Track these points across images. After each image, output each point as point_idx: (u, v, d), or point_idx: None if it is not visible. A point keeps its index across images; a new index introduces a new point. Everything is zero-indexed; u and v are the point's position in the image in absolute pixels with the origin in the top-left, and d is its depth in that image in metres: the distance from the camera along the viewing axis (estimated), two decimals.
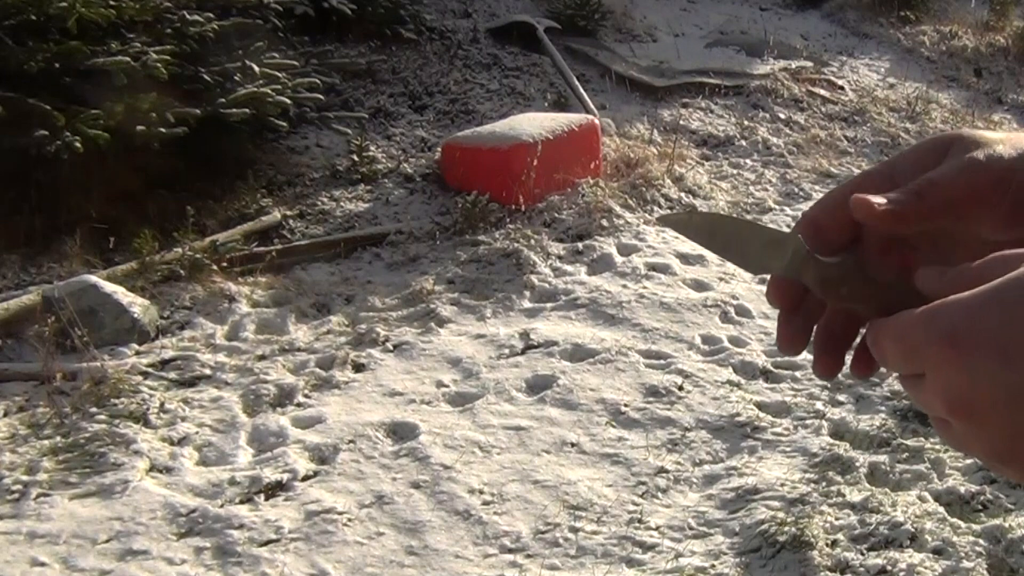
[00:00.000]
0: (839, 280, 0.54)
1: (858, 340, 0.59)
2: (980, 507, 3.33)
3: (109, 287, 4.47)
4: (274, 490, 3.48)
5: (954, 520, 3.23)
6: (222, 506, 3.36)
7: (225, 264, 5.01)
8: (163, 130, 5.19)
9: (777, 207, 6.57)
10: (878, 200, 0.56)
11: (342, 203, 5.98)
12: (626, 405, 4.05)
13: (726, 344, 4.60)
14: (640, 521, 3.34)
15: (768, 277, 0.60)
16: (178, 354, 4.32)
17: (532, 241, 5.49)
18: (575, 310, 4.89)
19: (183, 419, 3.87)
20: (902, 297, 0.51)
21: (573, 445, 3.78)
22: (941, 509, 3.30)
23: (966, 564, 3.00)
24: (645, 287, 5.12)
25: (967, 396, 0.46)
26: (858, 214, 0.56)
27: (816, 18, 10.69)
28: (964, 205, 0.56)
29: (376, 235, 5.66)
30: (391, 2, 7.72)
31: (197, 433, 3.79)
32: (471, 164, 6.02)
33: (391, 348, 4.51)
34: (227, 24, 5.97)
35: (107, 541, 3.15)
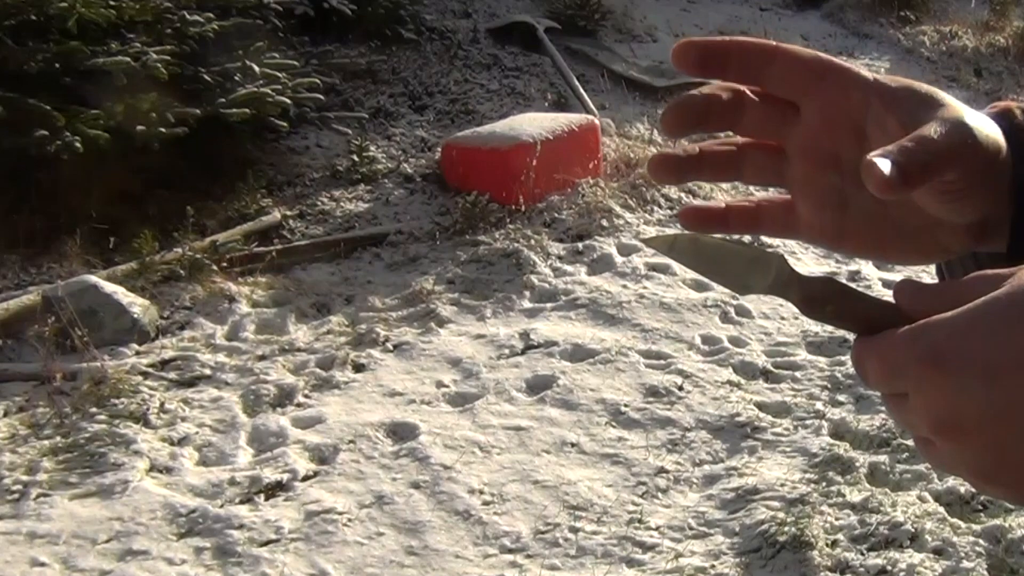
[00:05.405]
0: (823, 298, 0.54)
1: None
2: (980, 507, 3.33)
3: (109, 287, 4.47)
4: (274, 490, 3.48)
5: (954, 520, 3.23)
6: (222, 506, 3.36)
7: (225, 264, 5.01)
8: (163, 130, 5.19)
9: None
10: (887, 170, 0.50)
11: (342, 203, 5.98)
12: (626, 405, 4.05)
13: (726, 344, 4.60)
14: (640, 521, 3.34)
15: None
16: (178, 354, 4.32)
17: (532, 241, 5.49)
18: (575, 310, 4.89)
19: (183, 419, 3.87)
20: (886, 316, 0.51)
21: (573, 445, 3.78)
22: (941, 509, 3.30)
23: (966, 564, 3.00)
24: (645, 287, 5.12)
25: (953, 416, 0.46)
26: (869, 183, 0.51)
27: (816, 18, 10.68)
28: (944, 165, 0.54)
29: (376, 235, 5.66)
30: (391, 2, 7.72)
31: (197, 433, 3.79)
32: (471, 164, 6.02)
33: (391, 348, 4.51)
34: (227, 24, 5.97)
35: (107, 541, 3.15)
